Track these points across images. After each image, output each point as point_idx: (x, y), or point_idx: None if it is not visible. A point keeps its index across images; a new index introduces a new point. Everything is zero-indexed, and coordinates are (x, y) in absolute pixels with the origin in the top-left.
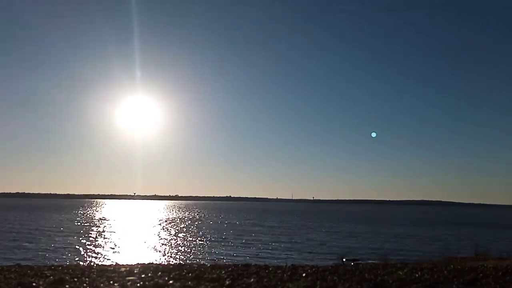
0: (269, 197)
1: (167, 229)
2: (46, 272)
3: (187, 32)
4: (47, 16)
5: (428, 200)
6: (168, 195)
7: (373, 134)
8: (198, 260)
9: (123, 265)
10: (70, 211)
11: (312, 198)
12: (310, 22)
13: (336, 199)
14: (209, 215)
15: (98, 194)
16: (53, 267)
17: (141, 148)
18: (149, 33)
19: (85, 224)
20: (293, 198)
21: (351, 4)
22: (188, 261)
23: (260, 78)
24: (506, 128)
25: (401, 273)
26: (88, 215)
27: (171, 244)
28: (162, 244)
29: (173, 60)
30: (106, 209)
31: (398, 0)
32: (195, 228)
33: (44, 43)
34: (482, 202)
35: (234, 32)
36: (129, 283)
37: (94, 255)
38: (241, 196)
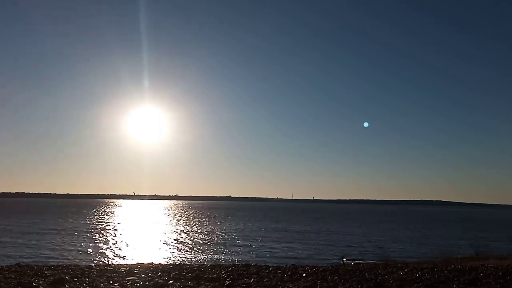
0: (269, 197)
1: (167, 229)
2: (46, 272)
3: (194, 42)
4: (60, 32)
5: (428, 200)
6: (168, 195)
7: (366, 124)
8: (198, 260)
9: (123, 265)
10: (70, 211)
11: (312, 198)
12: (309, 29)
13: (337, 199)
14: (209, 215)
15: (98, 194)
16: (53, 267)
17: (142, 148)
18: (156, 44)
19: (85, 224)
20: (293, 198)
21: (347, 8)
22: (188, 261)
23: (259, 80)
24: (506, 129)
25: (401, 273)
26: (88, 215)
27: (171, 244)
28: (162, 244)
29: (179, 70)
30: (106, 209)
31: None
32: (195, 228)
33: (59, 55)
34: (482, 202)
35: (239, 43)
36: (129, 283)
37: (94, 255)
38: (241, 196)
